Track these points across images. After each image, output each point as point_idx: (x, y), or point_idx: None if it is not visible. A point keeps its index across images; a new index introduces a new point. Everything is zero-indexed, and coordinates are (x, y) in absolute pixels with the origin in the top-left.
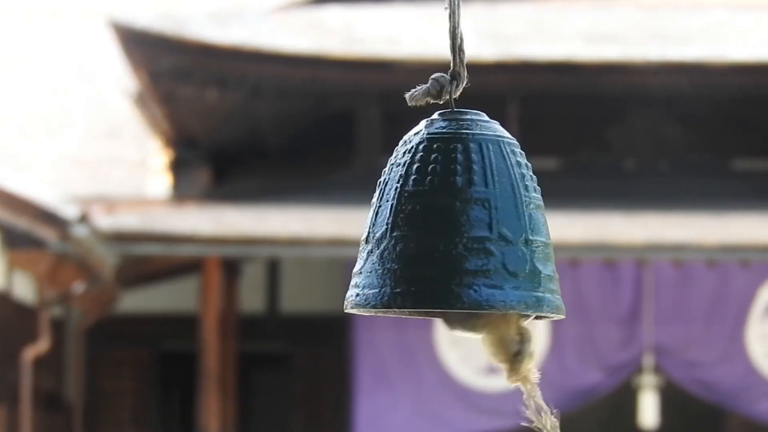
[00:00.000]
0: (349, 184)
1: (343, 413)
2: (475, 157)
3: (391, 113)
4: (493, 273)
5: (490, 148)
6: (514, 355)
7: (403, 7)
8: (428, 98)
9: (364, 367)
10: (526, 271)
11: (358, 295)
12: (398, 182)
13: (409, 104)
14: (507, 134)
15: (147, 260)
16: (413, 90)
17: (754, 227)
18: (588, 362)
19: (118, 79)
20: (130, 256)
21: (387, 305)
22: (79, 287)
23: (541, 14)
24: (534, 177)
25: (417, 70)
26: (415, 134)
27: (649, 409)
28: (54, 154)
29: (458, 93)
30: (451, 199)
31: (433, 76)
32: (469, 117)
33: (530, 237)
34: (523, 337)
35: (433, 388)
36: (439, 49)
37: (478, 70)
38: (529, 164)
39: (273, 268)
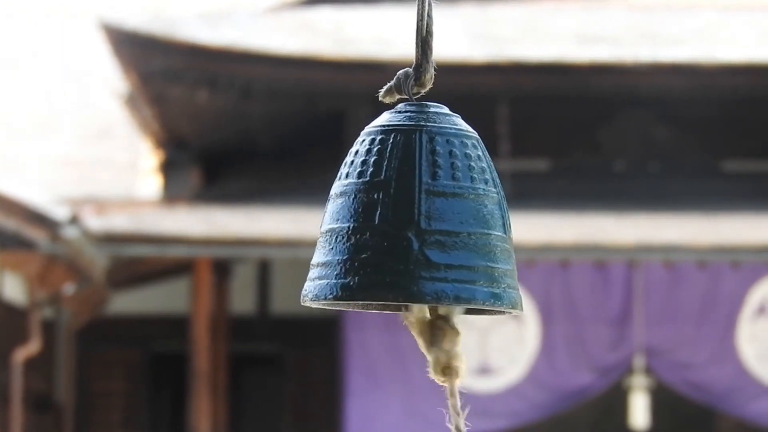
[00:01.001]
0: None
1: (334, 414)
2: (382, 148)
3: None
4: (381, 262)
5: (400, 138)
6: (439, 349)
7: (394, 8)
8: (394, 94)
9: (355, 368)
10: (416, 261)
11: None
12: (341, 175)
13: (381, 100)
14: (458, 126)
15: (138, 261)
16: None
17: (745, 228)
18: (579, 363)
19: (109, 80)
20: (120, 258)
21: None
22: (69, 288)
23: (532, 15)
24: (480, 167)
25: None
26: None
27: (639, 410)
28: (44, 155)
29: (427, 85)
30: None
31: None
32: (409, 109)
33: (423, 226)
34: (447, 332)
35: (423, 389)
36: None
37: (468, 71)
38: (481, 155)
39: (264, 269)
